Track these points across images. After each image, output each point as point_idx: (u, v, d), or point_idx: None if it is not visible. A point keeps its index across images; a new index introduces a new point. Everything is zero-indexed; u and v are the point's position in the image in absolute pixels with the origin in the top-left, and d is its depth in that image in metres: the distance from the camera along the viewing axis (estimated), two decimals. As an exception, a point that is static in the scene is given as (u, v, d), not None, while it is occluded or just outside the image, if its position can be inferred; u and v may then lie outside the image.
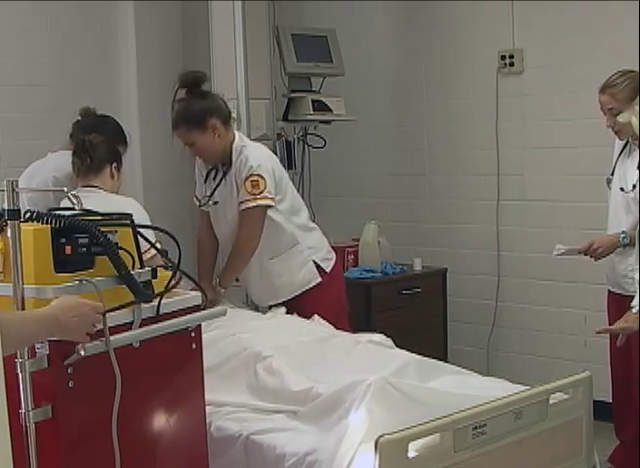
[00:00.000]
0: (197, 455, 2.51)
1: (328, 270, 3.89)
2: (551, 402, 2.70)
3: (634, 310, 3.07)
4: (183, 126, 3.67)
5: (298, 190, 5.27)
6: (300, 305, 3.76)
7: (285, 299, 3.78)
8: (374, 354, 3.19)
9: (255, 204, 3.66)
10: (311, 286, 3.83)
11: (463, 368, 3.20)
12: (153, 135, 4.79)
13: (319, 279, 3.84)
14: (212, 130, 3.67)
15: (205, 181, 3.85)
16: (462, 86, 5.19)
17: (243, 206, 3.68)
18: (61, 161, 3.68)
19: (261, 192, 3.65)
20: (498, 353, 5.16)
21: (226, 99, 4.62)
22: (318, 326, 3.53)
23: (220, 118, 3.70)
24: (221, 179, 3.76)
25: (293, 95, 5.02)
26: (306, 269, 3.83)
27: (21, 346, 2.03)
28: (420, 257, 5.11)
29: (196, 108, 3.66)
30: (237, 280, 3.89)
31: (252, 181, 3.65)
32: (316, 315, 3.62)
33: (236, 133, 3.81)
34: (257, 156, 3.72)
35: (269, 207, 3.69)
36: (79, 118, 3.81)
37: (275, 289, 3.80)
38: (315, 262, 3.85)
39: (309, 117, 4.99)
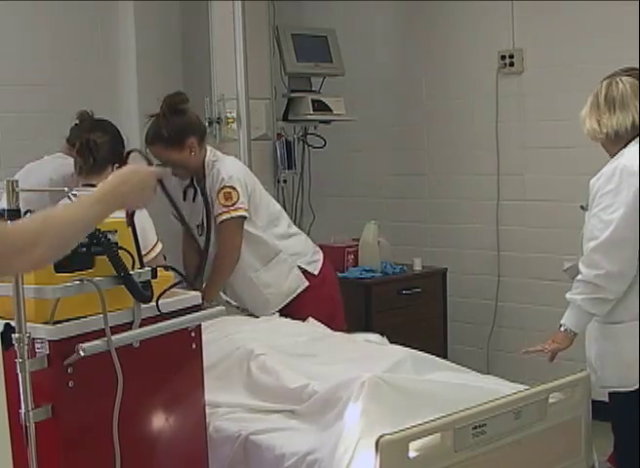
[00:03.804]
0: (197, 456, 2.50)
1: (316, 272, 3.89)
2: (550, 401, 2.70)
3: (562, 329, 3.05)
4: (160, 144, 3.63)
5: (298, 190, 5.30)
6: (293, 311, 3.76)
7: (275, 310, 3.77)
8: (370, 349, 3.19)
9: (230, 216, 3.65)
10: (300, 291, 3.83)
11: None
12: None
13: (307, 283, 3.84)
14: (188, 148, 3.65)
15: (184, 199, 3.83)
16: (462, 86, 5.19)
17: (219, 218, 3.67)
18: (58, 164, 3.66)
19: (235, 203, 3.64)
20: (498, 353, 5.16)
21: (226, 99, 4.60)
22: (313, 327, 3.53)
23: (197, 136, 3.68)
24: (202, 201, 3.72)
25: (293, 95, 5.02)
26: (292, 276, 3.82)
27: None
28: (419, 257, 5.11)
29: (175, 127, 3.61)
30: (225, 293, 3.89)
31: (225, 193, 3.64)
32: (311, 317, 3.62)
33: (209, 148, 3.79)
34: (227, 168, 3.71)
35: (244, 218, 3.69)
36: (77, 122, 3.80)
37: (265, 300, 3.79)
38: (301, 267, 3.85)
39: (309, 117, 4.99)
